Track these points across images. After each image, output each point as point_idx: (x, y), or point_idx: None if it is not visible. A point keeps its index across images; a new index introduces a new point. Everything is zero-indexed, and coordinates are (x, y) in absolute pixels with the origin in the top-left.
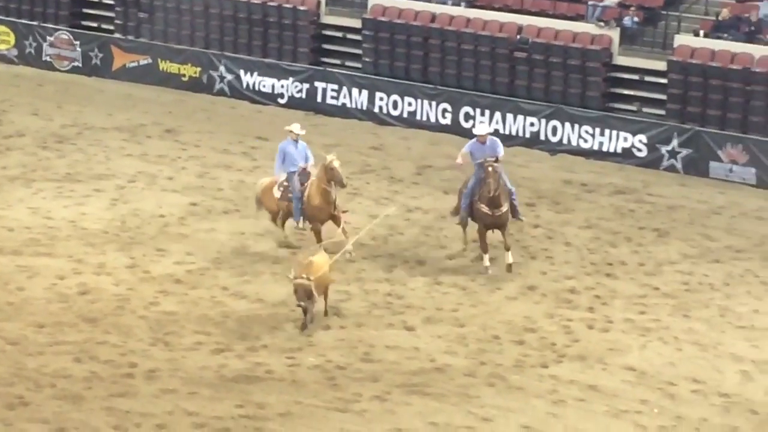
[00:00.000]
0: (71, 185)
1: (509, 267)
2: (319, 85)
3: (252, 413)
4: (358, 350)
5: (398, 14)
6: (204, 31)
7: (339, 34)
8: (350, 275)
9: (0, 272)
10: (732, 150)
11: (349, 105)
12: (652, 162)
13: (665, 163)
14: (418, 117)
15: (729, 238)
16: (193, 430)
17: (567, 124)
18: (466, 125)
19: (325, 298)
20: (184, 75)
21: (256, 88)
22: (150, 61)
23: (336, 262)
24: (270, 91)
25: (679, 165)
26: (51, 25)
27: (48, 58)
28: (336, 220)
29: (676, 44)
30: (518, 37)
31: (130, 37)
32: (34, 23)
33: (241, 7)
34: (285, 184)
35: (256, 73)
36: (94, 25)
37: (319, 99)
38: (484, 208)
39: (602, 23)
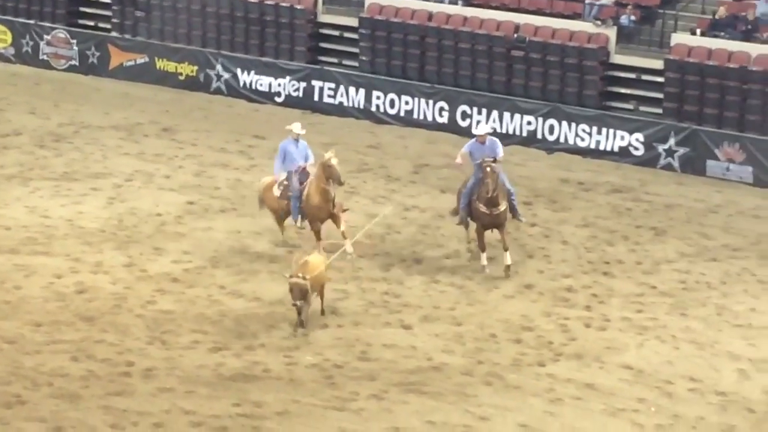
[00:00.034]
0: (68, 184)
1: (507, 268)
2: (316, 83)
3: (249, 412)
4: (355, 349)
5: (395, 13)
6: (201, 30)
7: (336, 33)
8: (347, 274)
9: None
10: (729, 149)
11: (346, 104)
12: (649, 161)
13: (662, 161)
14: (415, 116)
15: (726, 237)
16: (191, 429)
17: (564, 123)
18: (463, 124)
19: (321, 298)
20: (181, 74)
21: (253, 87)
22: (147, 59)
23: (332, 261)
24: (267, 89)
25: (676, 164)
26: (48, 24)
27: (45, 57)
28: (336, 220)
29: (673, 43)
30: (515, 35)
31: (127, 36)
32: (31, 22)
33: (238, 5)
34: (285, 183)
35: (253, 72)
36: (91, 23)
37: (316, 98)
38: (482, 208)
39: (599, 22)
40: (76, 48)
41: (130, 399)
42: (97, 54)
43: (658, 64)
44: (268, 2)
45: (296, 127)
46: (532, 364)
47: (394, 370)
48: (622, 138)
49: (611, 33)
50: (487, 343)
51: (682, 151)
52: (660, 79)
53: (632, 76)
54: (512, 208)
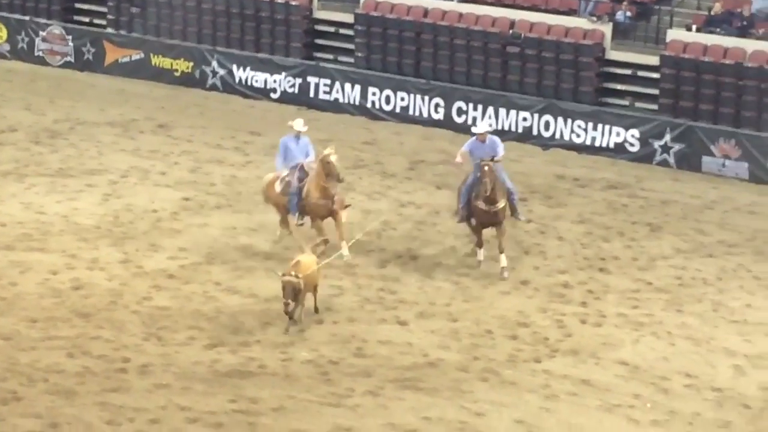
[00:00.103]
0: (64, 180)
1: (502, 271)
2: (312, 80)
3: (245, 408)
4: (350, 345)
5: (390, 9)
6: (196, 26)
7: (331, 29)
8: (343, 270)
9: None
10: (725, 145)
11: (341, 100)
12: (644, 157)
13: (658, 157)
14: (410, 112)
15: (722, 233)
16: (187, 425)
17: (560, 119)
18: (459, 120)
19: (315, 296)
20: (176, 70)
21: (249, 83)
22: (142, 56)
23: (328, 262)
24: (262, 86)
25: (671, 160)
26: (43, 20)
27: (40, 53)
28: (336, 218)
29: (668, 39)
30: (511, 32)
31: (123, 32)
32: (27, 18)
33: (233, 2)
34: (287, 179)
35: (248, 68)
36: (87, 20)
37: (311, 94)
38: (481, 205)
39: (595, 18)
40: (71, 44)
41: (126, 395)
42: (93, 50)
43: (654, 61)
44: None
45: (298, 124)
46: (528, 360)
47: (390, 366)
48: (618, 134)
49: (607, 29)
50: (483, 339)
51: (677, 147)
52: (656, 75)
53: (628, 72)
54: (512, 207)
